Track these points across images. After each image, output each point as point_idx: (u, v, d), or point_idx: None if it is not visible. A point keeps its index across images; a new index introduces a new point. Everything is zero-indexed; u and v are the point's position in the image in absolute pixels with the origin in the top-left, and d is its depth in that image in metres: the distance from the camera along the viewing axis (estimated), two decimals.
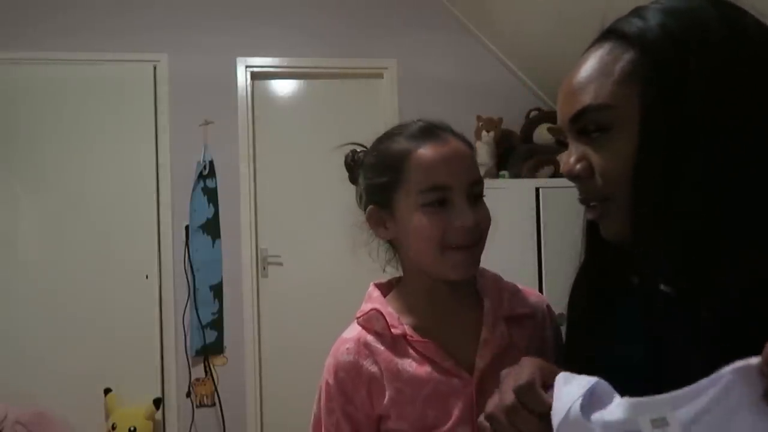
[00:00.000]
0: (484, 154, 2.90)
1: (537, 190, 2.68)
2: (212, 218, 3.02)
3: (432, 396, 0.78)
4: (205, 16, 3.06)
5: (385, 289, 0.90)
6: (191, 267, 2.98)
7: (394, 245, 0.88)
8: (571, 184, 0.62)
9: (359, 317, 0.85)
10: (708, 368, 0.43)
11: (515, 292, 0.89)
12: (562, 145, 2.93)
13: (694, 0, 0.55)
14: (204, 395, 3.00)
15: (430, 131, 0.82)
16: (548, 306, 0.91)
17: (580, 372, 0.55)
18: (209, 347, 2.98)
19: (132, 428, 2.74)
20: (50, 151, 2.93)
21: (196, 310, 2.97)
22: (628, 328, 0.61)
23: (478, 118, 2.93)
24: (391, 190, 0.81)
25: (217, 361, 3.01)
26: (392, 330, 0.81)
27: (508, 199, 2.70)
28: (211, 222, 3.02)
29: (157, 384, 2.95)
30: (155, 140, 3.00)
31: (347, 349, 0.82)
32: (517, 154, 2.92)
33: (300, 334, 3.04)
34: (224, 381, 3.00)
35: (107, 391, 2.87)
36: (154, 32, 3.02)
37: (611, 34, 0.58)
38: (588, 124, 0.57)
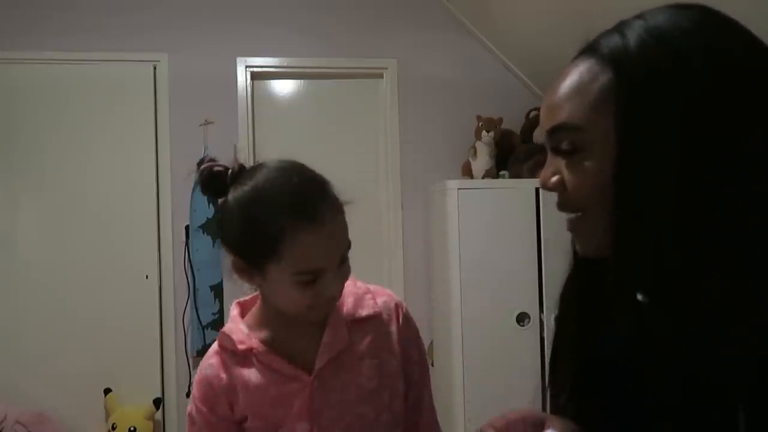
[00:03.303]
0: (484, 154, 2.90)
1: (537, 190, 2.68)
2: (212, 218, 3.02)
3: (276, 398, 0.91)
4: (205, 16, 3.06)
5: (246, 306, 1.01)
6: (191, 267, 2.98)
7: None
8: None
9: (217, 339, 0.97)
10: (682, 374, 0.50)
11: (362, 295, 0.98)
12: None
13: (680, 18, 0.54)
14: None
15: (304, 207, 0.81)
16: (397, 304, 1.01)
17: (567, 362, 0.63)
18: (209, 347, 2.98)
19: (132, 428, 2.74)
20: (50, 151, 2.93)
21: (196, 310, 2.97)
22: (611, 325, 0.64)
23: (478, 118, 2.93)
24: (264, 259, 0.83)
25: None
26: (239, 346, 0.92)
27: (508, 199, 2.71)
28: (211, 222, 3.02)
29: (157, 384, 2.95)
30: (155, 140, 3.00)
31: (210, 364, 0.95)
32: (517, 154, 2.92)
33: None
34: None
35: (107, 391, 2.87)
36: (154, 32, 3.02)
37: (593, 49, 0.58)
38: (561, 141, 0.59)
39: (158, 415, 2.91)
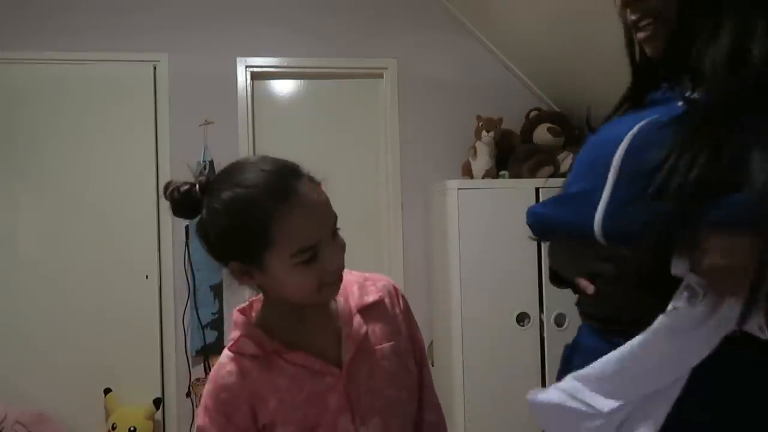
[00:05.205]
0: (484, 154, 2.90)
1: (537, 190, 2.68)
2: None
3: (310, 397, 0.90)
4: (205, 16, 3.06)
5: (248, 312, 0.99)
6: (191, 267, 2.98)
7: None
8: None
9: (231, 346, 0.93)
10: None
11: (362, 282, 1.02)
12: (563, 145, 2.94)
13: None
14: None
15: (283, 188, 0.83)
16: (395, 286, 1.06)
17: None
18: (209, 347, 2.98)
19: (132, 428, 2.74)
20: (50, 151, 2.93)
21: (196, 310, 2.97)
22: None
23: (478, 118, 2.93)
24: (259, 250, 0.84)
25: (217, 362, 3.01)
26: (263, 349, 0.91)
27: (508, 199, 2.71)
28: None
29: (157, 384, 2.96)
30: (155, 140, 3.00)
31: (228, 371, 0.91)
32: (517, 154, 2.92)
33: None
34: None
35: (107, 391, 2.87)
36: (154, 32, 3.02)
37: None
38: None
39: (158, 415, 2.91)
